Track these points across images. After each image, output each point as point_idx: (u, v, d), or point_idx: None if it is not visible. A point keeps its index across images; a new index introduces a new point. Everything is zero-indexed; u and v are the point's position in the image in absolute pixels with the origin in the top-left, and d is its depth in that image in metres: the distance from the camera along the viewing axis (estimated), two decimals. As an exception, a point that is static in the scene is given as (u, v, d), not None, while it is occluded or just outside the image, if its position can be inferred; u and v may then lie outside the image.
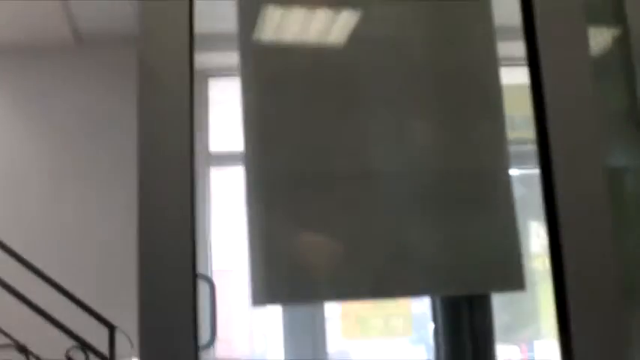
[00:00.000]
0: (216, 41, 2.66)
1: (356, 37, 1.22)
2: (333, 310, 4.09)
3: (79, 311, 3.44)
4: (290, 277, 1.07)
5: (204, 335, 3.43)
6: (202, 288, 3.52)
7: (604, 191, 1.21)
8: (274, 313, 4.09)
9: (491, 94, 1.23)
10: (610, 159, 1.25)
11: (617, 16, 1.35)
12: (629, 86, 1.32)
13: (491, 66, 1.25)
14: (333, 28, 1.23)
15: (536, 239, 3.79)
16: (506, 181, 1.19)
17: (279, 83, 1.16)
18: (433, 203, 1.18)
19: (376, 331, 4.20)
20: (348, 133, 1.17)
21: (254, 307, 1.08)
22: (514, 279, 1.16)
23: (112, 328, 3.38)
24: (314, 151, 1.16)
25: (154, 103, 1.01)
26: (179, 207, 1.00)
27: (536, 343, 4.61)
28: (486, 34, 1.26)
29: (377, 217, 1.15)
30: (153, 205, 1.00)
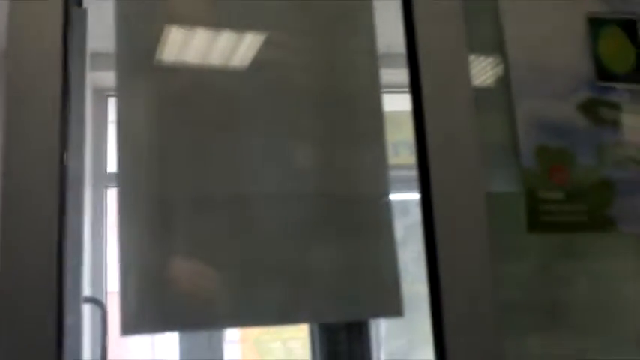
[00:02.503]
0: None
1: (239, 60, 1.21)
2: (232, 334, 4.04)
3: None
4: (160, 305, 1.04)
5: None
6: (94, 311, 3.41)
7: (482, 217, 1.24)
8: (172, 336, 4.00)
9: (374, 120, 1.24)
10: (488, 185, 1.28)
11: (498, 50, 1.39)
12: (508, 117, 1.35)
13: (374, 92, 1.25)
14: (216, 49, 1.21)
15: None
16: (386, 207, 1.20)
17: (156, 104, 1.13)
18: (313, 228, 1.17)
19: (275, 354, 4.16)
20: (229, 157, 1.15)
21: (123, 335, 1.05)
22: (392, 305, 1.17)
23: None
24: (196, 174, 1.13)
25: (21, 121, 0.97)
26: (45, 230, 0.95)
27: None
28: (370, 61, 1.27)
29: (256, 243, 1.14)
30: (16, 228, 0.95)
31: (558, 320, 1.37)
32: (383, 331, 3.93)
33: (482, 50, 1.38)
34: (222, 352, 3.82)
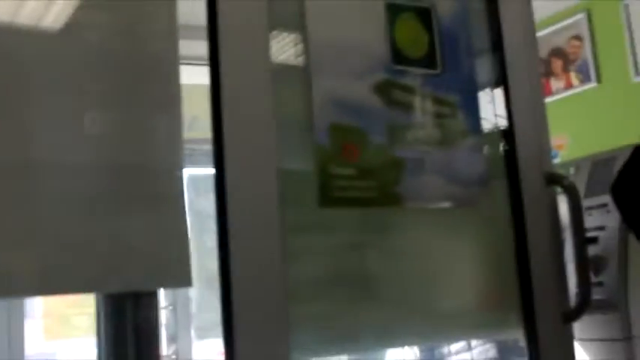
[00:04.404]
0: None
1: (29, 20, 1.15)
2: (34, 310, 3.86)
3: None
4: None
5: None
6: None
7: (274, 192, 1.26)
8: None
9: (170, 90, 1.22)
10: (284, 162, 1.30)
11: (298, 27, 1.41)
12: (304, 94, 1.38)
13: (171, 62, 1.24)
14: (3, 7, 1.14)
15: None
16: (179, 179, 1.19)
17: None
18: (104, 198, 1.14)
19: (80, 330, 4.03)
20: (13, 123, 1.09)
21: None
22: (181, 276, 1.17)
23: None
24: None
25: None
26: None
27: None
28: (169, 30, 1.25)
29: (43, 211, 1.09)
30: None
31: (355, 292, 1.42)
32: (194, 306, 3.94)
33: (283, 27, 1.40)
34: (22, 328, 3.65)
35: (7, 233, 1.06)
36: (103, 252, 1.12)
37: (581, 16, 4.06)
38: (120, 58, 1.20)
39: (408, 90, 1.53)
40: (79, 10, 1.19)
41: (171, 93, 1.22)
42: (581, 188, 3.02)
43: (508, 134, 1.67)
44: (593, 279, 2.58)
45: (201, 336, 3.96)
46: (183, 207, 1.18)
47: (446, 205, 1.58)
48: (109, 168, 1.15)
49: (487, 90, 1.71)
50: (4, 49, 1.12)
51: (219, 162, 1.21)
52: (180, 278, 1.17)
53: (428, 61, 1.57)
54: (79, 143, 1.14)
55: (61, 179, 1.12)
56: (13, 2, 1.15)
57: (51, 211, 1.10)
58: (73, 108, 1.14)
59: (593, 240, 2.90)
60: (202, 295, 3.79)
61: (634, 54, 3.74)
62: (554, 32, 4.18)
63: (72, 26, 1.17)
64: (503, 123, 1.69)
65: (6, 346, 3.57)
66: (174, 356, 3.85)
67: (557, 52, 4.19)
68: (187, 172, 1.22)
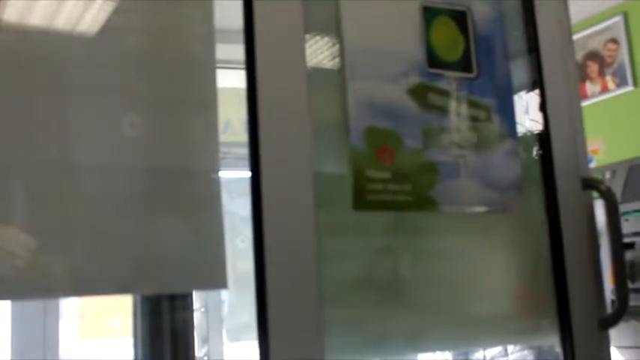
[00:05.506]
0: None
1: (69, 24, 1.17)
2: (69, 310, 3.91)
3: None
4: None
5: None
6: None
7: (311, 195, 1.26)
8: (4, 311, 3.82)
9: (207, 94, 1.23)
10: (319, 165, 1.31)
11: (333, 30, 1.42)
12: (340, 97, 1.39)
13: (208, 65, 1.25)
14: (42, 11, 1.16)
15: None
16: (215, 182, 1.20)
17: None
18: (140, 201, 1.15)
19: (115, 330, 4.08)
20: (50, 125, 1.11)
21: None
22: (217, 278, 1.18)
23: None
24: (8, 139, 1.08)
25: None
26: None
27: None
28: (206, 34, 1.27)
29: (79, 213, 1.11)
30: None
31: (389, 295, 1.42)
32: (225, 308, 3.96)
33: (319, 30, 1.41)
34: (57, 327, 3.70)
35: (44, 234, 1.08)
36: (139, 254, 1.13)
37: (617, 19, 4.01)
38: (157, 61, 1.22)
39: (444, 93, 1.52)
40: (116, 13, 1.20)
41: (207, 96, 1.23)
42: (617, 193, 2.98)
43: (544, 138, 1.66)
44: (630, 285, 2.55)
45: (233, 338, 3.98)
46: (220, 210, 1.19)
47: (481, 209, 1.57)
48: (145, 170, 1.16)
49: (522, 93, 1.70)
50: (42, 52, 1.14)
51: (255, 165, 1.22)
52: (216, 280, 1.18)
53: (463, 64, 1.56)
54: (116, 146, 1.15)
55: (98, 181, 1.14)
56: (51, 6, 1.16)
57: (87, 213, 1.12)
58: (109, 111, 1.16)
59: (630, 246, 2.86)
60: (234, 297, 3.81)
61: (672, 57, 3.69)
62: (590, 35, 4.14)
63: (109, 30, 1.19)
64: (538, 127, 1.67)
65: (41, 345, 3.62)
66: (205, 358, 3.87)
67: (593, 56, 4.15)
68: (220, 175, 1.23)
